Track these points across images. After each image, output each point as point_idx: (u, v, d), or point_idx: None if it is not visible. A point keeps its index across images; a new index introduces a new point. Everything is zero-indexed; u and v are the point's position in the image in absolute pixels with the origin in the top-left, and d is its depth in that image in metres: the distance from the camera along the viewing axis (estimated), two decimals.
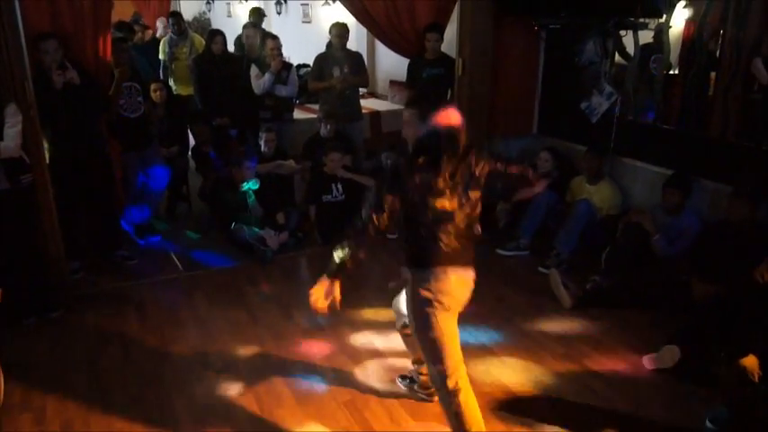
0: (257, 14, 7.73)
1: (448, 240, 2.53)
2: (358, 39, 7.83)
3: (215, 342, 3.79)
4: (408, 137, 2.66)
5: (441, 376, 2.58)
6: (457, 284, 2.59)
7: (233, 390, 3.31)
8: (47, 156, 4.22)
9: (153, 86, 5.62)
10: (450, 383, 2.56)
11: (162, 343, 3.79)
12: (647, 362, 3.49)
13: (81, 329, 3.94)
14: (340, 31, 5.93)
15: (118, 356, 3.64)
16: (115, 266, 4.79)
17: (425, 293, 2.54)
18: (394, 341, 3.76)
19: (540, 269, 4.67)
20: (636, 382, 3.38)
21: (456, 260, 2.58)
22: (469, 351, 3.60)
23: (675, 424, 3.06)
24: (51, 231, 4.18)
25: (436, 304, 2.53)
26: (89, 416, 3.11)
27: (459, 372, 2.58)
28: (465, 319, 3.80)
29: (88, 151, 4.47)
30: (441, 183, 2.47)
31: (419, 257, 2.58)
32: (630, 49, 4.91)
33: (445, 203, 2.50)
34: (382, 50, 7.66)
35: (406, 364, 3.38)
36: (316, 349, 3.71)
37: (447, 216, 2.52)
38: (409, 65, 5.77)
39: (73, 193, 4.42)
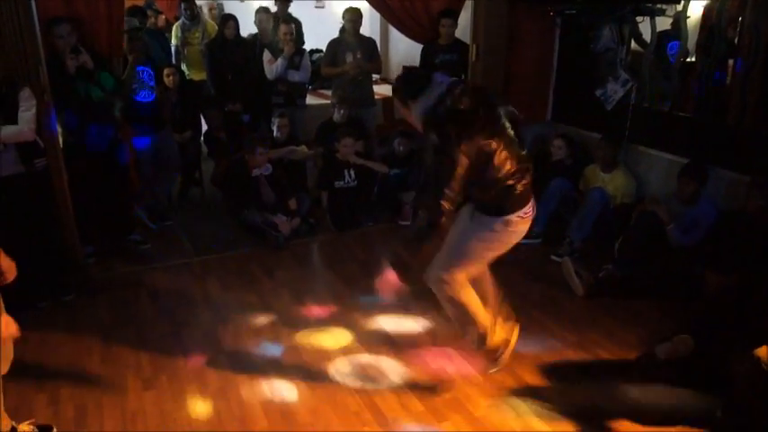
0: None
1: (523, 181, 2.87)
2: (371, 24, 7.79)
3: (227, 326, 3.81)
4: (414, 123, 2.70)
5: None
6: (522, 230, 3.02)
7: (244, 375, 3.33)
8: (61, 141, 4.24)
9: (166, 71, 5.62)
10: None
11: (174, 327, 3.81)
12: (661, 351, 3.46)
13: (94, 313, 3.97)
14: (353, 16, 5.89)
15: (131, 339, 3.66)
16: (128, 251, 4.82)
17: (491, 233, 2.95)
18: (406, 327, 3.78)
19: (553, 257, 4.65)
20: (648, 371, 3.35)
21: (528, 196, 2.96)
22: None
23: (688, 414, 3.04)
24: (65, 215, 4.21)
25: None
26: (102, 398, 3.13)
27: None
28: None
29: (101, 135, 4.47)
30: (488, 142, 2.71)
31: (495, 208, 2.92)
32: (647, 35, 4.85)
33: (502, 157, 2.76)
34: (395, 36, 7.62)
35: (418, 350, 3.39)
36: (327, 335, 3.72)
37: (512, 164, 2.80)
38: (423, 50, 5.72)
39: (86, 176, 4.44)
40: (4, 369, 2.60)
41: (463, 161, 2.69)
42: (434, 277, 3.07)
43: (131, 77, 4.81)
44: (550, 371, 3.37)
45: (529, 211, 2.99)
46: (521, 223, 2.98)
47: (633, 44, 5.05)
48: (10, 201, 3.74)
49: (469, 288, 3.09)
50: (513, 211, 2.92)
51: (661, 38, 4.86)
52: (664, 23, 4.82)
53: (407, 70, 3.05)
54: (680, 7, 4.60)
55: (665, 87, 4.96)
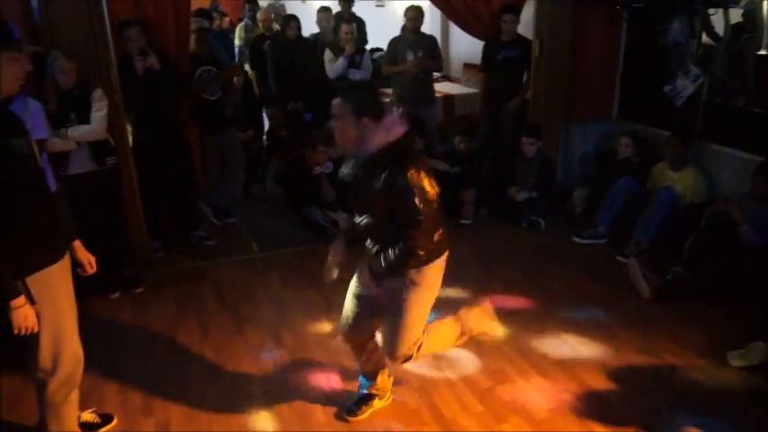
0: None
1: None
2: (432, 22, 7.74)
3: (288, 322, 3.86)
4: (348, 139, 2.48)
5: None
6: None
7: (305, 369, 3.37)
8: (130, 139, 4.40)
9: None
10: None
11: (237, 320, 3.89)
12: (732, 359, 3.32)
13: (161, 305, 4.09)
14: (415, 14, 5.88)
15: (195, 332, 3.76)
16: (193, 246, 4.95)
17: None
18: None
19: (619, 258, 4.52)
20: (718, 379, 3.22)
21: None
22: (546, 341, 3.56)
23: (762, 425, 2.91)
24: (134, 211, 4.37)
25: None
26: (168, 388, 3.23)
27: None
28: (539, 308, 3.75)
29: (168, 134, 4.61)
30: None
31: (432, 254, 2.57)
32: (719, 28, 4.65)
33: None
34: (456, 33, 7.55)
35: (477, 349, 3.36)
36: None
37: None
38: (484, 47, 5.66)
39: (154, 174, 4.58)
40: (77, 378, 2.68)
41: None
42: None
43: (202, 78, 4.92)
44: (614, 375, 3.27)
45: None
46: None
47: (704, 37, 4.85)
48: (83, 197, 3.89)
49: (428, 333, 2.82)
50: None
51: (734, 30, 4.66)
52: (737, 15, 4.61)
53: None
54: None
55: (739, 82, 4.75)
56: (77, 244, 2.67)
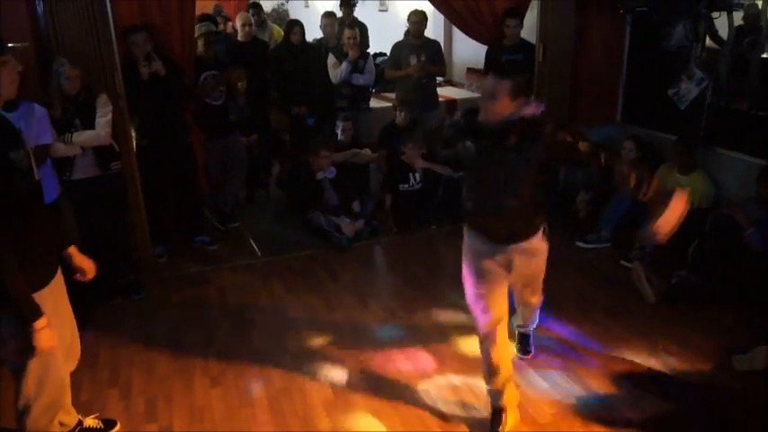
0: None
1: None
2: (435, 26, 7.75)
3: (291, 327, 3.86)
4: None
5: None
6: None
7: (308, 375, 3.36)
8: (134, 144, 4.40)
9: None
10: None
11: (240, 326, 3.89)
12: (737, 363, 3.31)
13: (165, 310, 4.10)
14: (418, 18, 5.89)
15: (199, 338, 3.76)
16: (196, 251, 4.95)
17: None
18: (467, 323, 3.73)
19: (623, 262, 4.51)
20: (723, 383, 3.21)
21: None
22: (548, 346, 3.55)
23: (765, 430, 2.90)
24: (138, 216, 4.38)
25: None
26: (171, 394, 3.23)
27: None
28: (542, 312, 3.74)
29: (172, 139, 4.62)
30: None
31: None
32: (723, 32, 4.64)
33: None
34: (459, 37, 7.57)
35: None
36: (390, 337, 3.71)
37: None
38: (487, 51, 5.66)
39: (158, 179, 4.59)
40: (72, 366, 2.68)
41: None
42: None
43: (206, 83, 4.94)
44: (619, 379, 3.26)
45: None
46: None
47: (708, 41, 4.84)
48: (86, 202, 3.90)
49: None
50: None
51: (738, 34, 4.65)
52: (740, 18, 4.61)
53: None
54: (759, 0, 4.39)
55: (743, 85, 4.74)
56: (74, 250, 2.62)
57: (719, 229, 4.05)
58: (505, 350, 2.89)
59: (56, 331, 2.32)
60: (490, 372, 2.87)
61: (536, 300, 3.18)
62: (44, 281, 2.33)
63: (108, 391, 3.26)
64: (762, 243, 3.91)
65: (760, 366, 3.23)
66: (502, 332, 2.84)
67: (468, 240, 2.83)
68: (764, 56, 4.61)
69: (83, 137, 3.78)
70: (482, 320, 2.82)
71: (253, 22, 6.51)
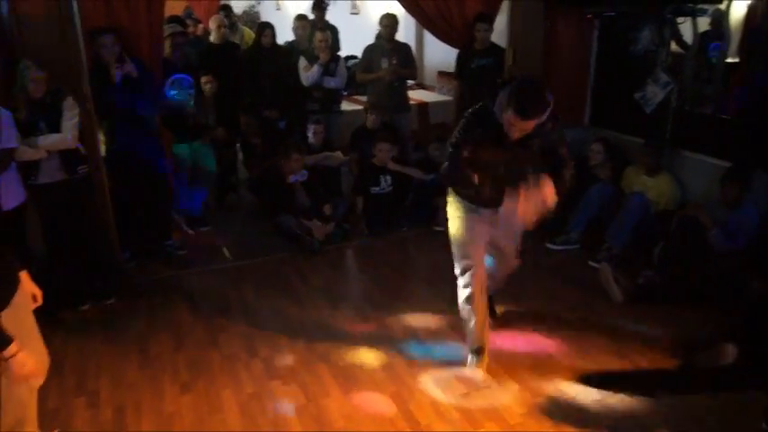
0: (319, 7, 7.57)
1: None
2: (407, 30, 7.78)
3: (262, 331, 3.84)
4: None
5: None
6: None
7: (279, 379, 3.35)
8: (102, 148, 4.34)
9: (203, 79, 5.69)
10: None
11: (210, 331, 3.85)
12: (702, 360, 3.38)
13: (133, 316, 4.04)
14: (389, 21, 5.91)
15: (168, 343, 3.72)
16: (166, 256, 4.88)
17: None
18: (440, 334, 3.75)
19: (591, 263, 4.57)
20: (689, 380, 3.28)
21: None
22: (518, 347, 3.59)
23: (730, 424, 2.96)
24: (106, 221, 4.31)
25: None
26: (140, 401, 3.19)
27: None
28: (513, 313, 3.79)
29: (143, 142, 4.54)
30: None
31: None
32: (688, 37, 4.74)
33: None
34: (430, 40, 7.59)
35: (456, 354, 3.37)
36: (361, 340, 3.71)
37: None
38: (458, 55, 5.70)
39: (127, 183, 4.52)
40: (40, 380, 2.55)
41: None
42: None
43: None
44: (588, 379, 3.30)
45: None
46: None
47: (673, 45, 4.94)
48: (52, 207, 3.83)
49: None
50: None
51: (702, 39, 4.75)
52: (705, 24, 4.71)
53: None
54: (722, 7, 4.49)
55: (707, 89, 4.84)
56: (24, 275, 2.46)
57: (685, 230, 4.13)
58: (483, 290, 3.30)
59: (28, 352, 2.20)
60: (472, 308, 3.28)
61: (513, 260, 3.51)
62: (4, 302, 2.20)
63: (74, 400, 3.20)
64: (725, 243, 4.00)
65: (723, 363, 3.30)
66: (481, 270, 3.29)
67: (457, 203, 3.26)
68: (728, 60, 4.73)
69: (49, 140, 3.72)
70: (465, 263, 3.27)
71: (225, 24, 6.48)
